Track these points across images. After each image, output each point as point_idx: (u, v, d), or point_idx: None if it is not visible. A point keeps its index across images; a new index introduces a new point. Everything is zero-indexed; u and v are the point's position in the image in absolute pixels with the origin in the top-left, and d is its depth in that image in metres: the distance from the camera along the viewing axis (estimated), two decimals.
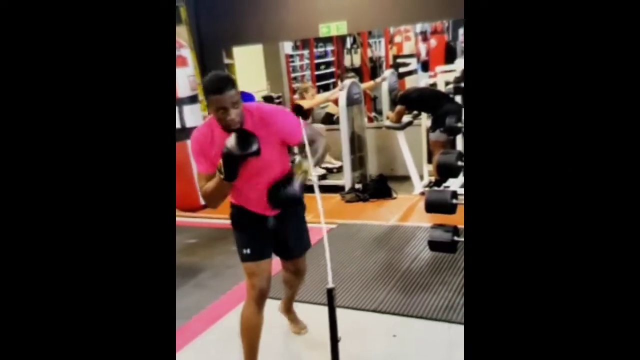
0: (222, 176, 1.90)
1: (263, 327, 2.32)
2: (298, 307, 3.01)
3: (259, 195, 2.12)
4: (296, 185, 2.05)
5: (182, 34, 5.86)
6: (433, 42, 7.68)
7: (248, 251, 2.19)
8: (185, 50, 5.07)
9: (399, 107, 5.13)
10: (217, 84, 1.88)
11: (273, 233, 2.25)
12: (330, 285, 1.81)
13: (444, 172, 2.74)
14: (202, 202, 2.00)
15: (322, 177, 5.62)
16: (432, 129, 4.86)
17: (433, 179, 5.08)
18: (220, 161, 1.88)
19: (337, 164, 5.78)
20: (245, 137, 1.87)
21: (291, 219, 2.30)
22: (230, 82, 1.90)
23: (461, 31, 7.86)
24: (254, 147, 1.86)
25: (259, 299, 2.21)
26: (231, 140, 1.85)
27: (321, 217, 1.85)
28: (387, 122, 5.42)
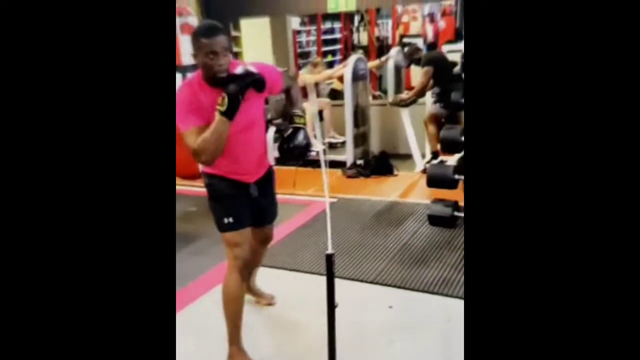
0: (223, 109, 1.85)
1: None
2: (296, 276, 3.05)
3: (247, 152, 2.12)
4: (302, 135, 2.11)
5: (191, 3, 5.82)
6: (442, 23, 7.69)
7: (231, 220, 2.13)
8: (192, 18, 5.08)
9: (426, 68, 4.89)
10: (209, 27, 1.95)
11: (252, 201, 2.22)
12: (330, 251, 1.84)
13: (448, 146, 2.75)
14: (199, 159, 1.97)
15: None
16: (435, 101, 4.86)
17: (429, 152, 5.10)
18: (222, 98, 1.86)
19: (341, 139, 5.79)
20: (248, 72, 1.93)
21: (270, 184, 2.31)
22: (221, 29, 1.95)
23: None
24: (258, 76, 1.92)
25: (243, 269, 2.18)
26: (237, 70, 1.91)
27: (325, 188, 1.87)
28: (391, 99, 5.40)
